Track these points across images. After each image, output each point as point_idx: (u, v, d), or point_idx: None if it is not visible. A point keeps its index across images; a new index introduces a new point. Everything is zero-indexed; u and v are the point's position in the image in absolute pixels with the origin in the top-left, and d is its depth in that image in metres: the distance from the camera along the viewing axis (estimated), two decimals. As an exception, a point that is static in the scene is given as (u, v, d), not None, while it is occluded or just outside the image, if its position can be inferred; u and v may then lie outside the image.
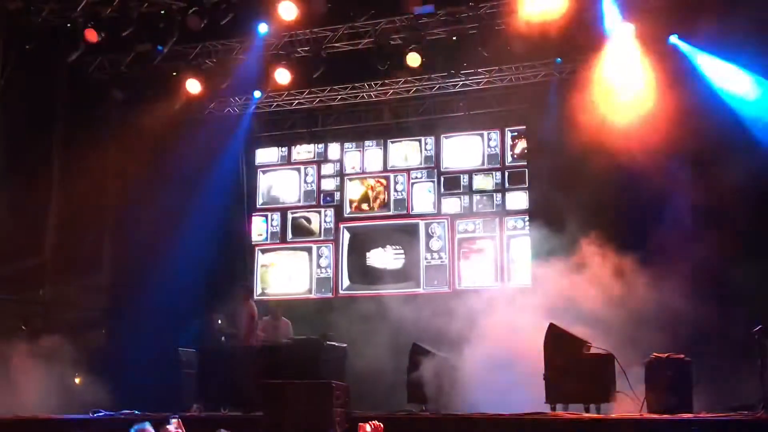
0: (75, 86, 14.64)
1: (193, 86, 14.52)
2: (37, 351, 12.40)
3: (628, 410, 9.65)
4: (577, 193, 12.97)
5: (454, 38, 13.46)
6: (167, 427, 7.52)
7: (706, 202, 12.01)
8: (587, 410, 9.76)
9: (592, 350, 10.15)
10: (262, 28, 13.63)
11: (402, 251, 15.26)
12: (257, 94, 15.34)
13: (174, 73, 14.61)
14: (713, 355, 10.99)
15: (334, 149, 15.98)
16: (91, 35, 13.32)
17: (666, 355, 9.69)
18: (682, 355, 9.71)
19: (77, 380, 14.15)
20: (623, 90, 12.56)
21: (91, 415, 11.09)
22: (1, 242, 13.19)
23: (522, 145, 14.83)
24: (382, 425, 7.62)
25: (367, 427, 7.55)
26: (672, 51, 12.94)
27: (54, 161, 14.66)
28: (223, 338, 12.53)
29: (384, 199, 15.57)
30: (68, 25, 13.58)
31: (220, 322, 12.68)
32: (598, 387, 9.90)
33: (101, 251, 15.57)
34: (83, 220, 14.57)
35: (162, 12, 13.32)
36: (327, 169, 15.99)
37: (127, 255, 15.08)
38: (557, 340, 10.16)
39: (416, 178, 15.44)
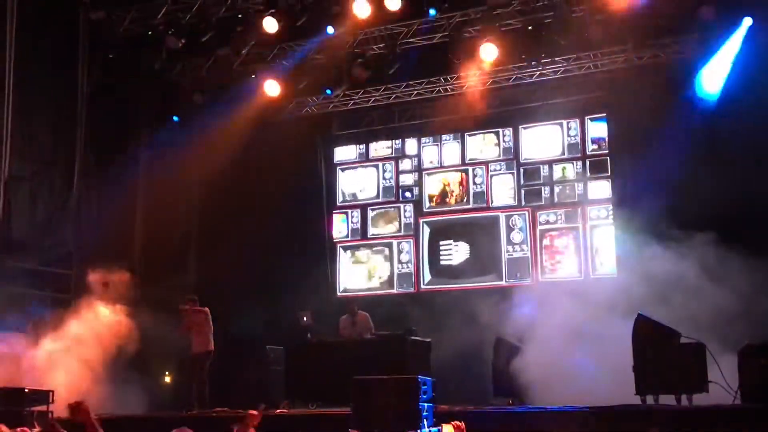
0: (158, 92, 15.01)
1: (272, 88, 14.70)
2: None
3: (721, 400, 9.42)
4: (662, 180, 12.71)
5: (530, 28, 13.32)
6: None
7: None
8: (678, 401, 9.56)
9: (682, 340, 9.92)
10: (330, 29, 13.65)
11: (483, 244, 15.17)
12: (332, 92, 15.41)
13: (253, 76, 14.83)
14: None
15: (411, 144, 16.01)
16: (172, 42, 13.63)
17: (761, 342, 9.41)
18: (778, 342, 9.43)
19: (167, 379, 14.54)
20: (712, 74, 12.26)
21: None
22: (92, 248, 13.60)
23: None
24: (463, 424, 7.57)
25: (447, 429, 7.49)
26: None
27: (140, 167, 15.03)
28: (309, 335, 12.65)
29: (463, 192, 15.51)
30: (149, 32, 13.93)
31: (305, 319, 12.80)
32: (689, 377, 9.66)
33: (187, 252, 15.94)
34: (169, 223, 14.93)
35: (239, 16, 13.54)
36: (405, 164, 16.02)
37: (211, 255, 15.40)
38: (646, 331, 9.95)
39: (495, 170, 15.34)
